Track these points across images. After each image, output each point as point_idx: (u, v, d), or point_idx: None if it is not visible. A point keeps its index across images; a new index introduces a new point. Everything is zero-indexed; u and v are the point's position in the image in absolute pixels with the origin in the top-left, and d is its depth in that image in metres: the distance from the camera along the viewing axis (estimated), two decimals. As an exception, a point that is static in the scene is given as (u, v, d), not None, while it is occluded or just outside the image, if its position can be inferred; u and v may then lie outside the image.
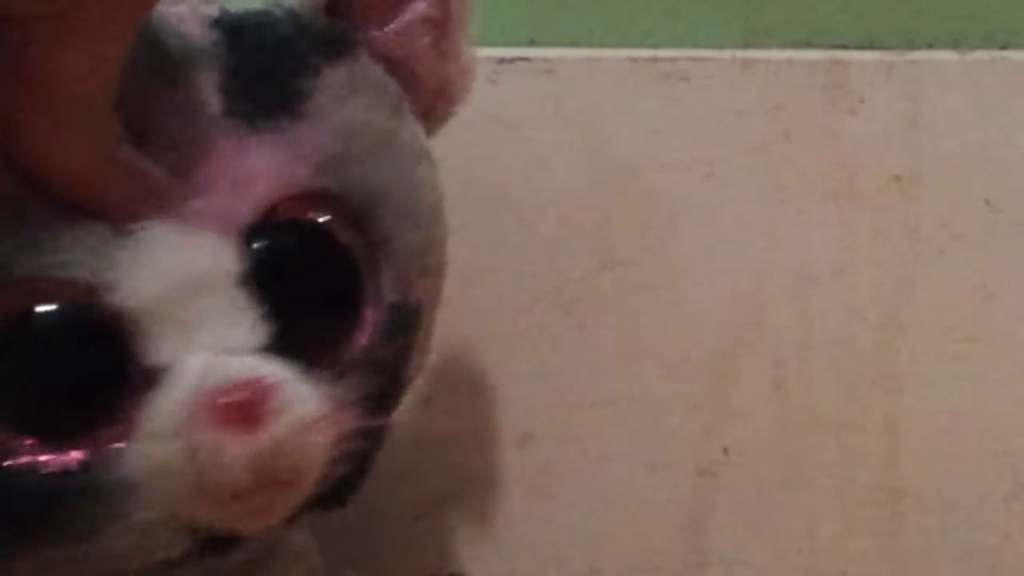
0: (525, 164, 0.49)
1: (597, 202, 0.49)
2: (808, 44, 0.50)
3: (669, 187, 0.49)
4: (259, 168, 0.30)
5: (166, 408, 0.28)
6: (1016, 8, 0.50)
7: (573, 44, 0.50)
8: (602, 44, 0.50)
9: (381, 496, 0.47)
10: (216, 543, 0.31)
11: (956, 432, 0.49)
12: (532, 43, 0.50)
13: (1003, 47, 0.50)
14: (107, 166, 0.28)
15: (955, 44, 0.50)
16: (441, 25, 0.35)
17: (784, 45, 0.50)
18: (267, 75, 0.31)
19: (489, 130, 0.48)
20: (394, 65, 0.35)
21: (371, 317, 0.33)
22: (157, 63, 0.30)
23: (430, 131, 0.36)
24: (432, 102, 0.36)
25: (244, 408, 0.28)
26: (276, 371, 0.29)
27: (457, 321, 0.48)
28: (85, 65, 0.27)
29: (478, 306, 0.49)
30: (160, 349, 0.29)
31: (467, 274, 0.49)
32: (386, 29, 0.35)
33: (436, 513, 0.49)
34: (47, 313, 0.28)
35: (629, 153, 0.49)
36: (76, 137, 0.27)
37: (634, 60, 0.49)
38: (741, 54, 0.49)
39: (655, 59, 0.49)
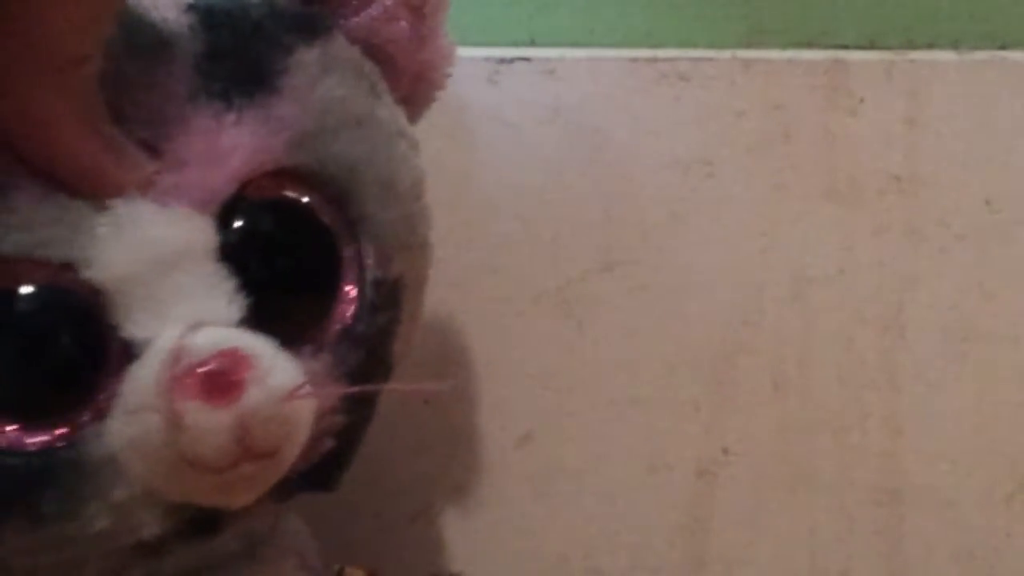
0: (525, 164, 0.49)
1: (597, 202, 0.49)
2: (808, 44, 0.50)
3: (669, 187, 0.49)
4: (234, 144, 0.31)
5: (143, 382, 0.29)
6: (1016, 8, 0.50)
7: (573, 44, 0.50)
8: (602, 44, 0.50)
9: (381, 496, 0.47)
10: (199, 523, 0.31)
11: (956, 432, 0.49)
12: (532, 43, 0.50)
13: (1003, 47, 0.50)
14: (91, 137, 0.28)
15: (955, 44, 0.50)
16: (419, 10, 0.36)
17: (784, 45, 0.50)
18: (241, 54, 0.32)
19: (489, 130, 0.48)
20: (373, 50, 0.35)
21: (351, 293, 0.33)
22: (133, 44, 0.30)
23: (412, 116, 0.37)
24: (411, 87, 0.36)
25: (220, 378, 0.28)
26: (252, 342, 0.29)
27: (457, 321, 0.48)
28: (75, 22, 0.27)
29: (478, 306, 0.49)
30: (137, 324, 0.29)
31: (467, 274, 0.49)
32: (363, 14, 0.35)
33: (436, 513, 0.49)
34: (25, 294, 0.29)
35: (629, 153, 0.49)
36: (64, 101, 0.28)
37: (634, 60, 0.49)
38: (741, 54, 0.49)
39: (655, 59, 0.49)
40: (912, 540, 0.49)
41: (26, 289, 0.29)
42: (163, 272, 0.29)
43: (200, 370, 0.28)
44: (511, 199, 0.49)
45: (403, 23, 0.35)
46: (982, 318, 0.49)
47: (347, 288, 0.33)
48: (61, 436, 0.29)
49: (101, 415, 0.29)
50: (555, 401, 0.49)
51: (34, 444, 0.29)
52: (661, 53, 0.49)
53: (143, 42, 0.30)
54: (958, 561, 0.49)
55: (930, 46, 0.50)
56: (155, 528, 0.30)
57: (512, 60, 0.49)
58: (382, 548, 0.49)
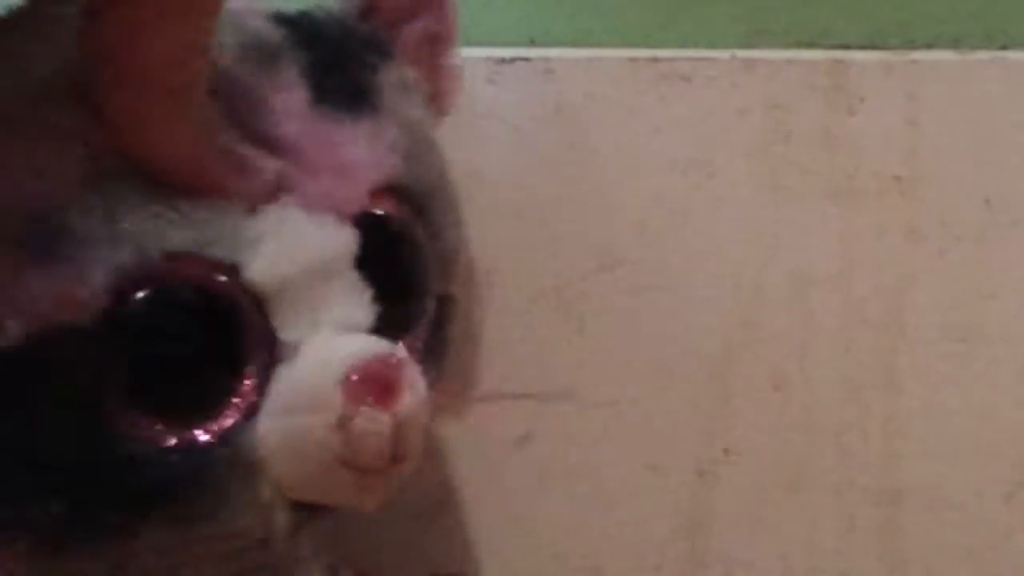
0: (525, 164, 0.49)
1: (597, 202, 0.49)
2: (808, 44, 0.50)
3: (669, 187, 0.49)
4: (359, 156, 0.32)
5: (303, 382, 0.29)
6: (1016, 8, 0.50)
7: (573, 44, 0.50)
8: (602, 44, 0.50)
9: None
10: (297, 526, 0.32)
11: (956, 432, 0.49)
12: (532, 43, 0.50)
13: (1003, 47, 0.50)
14: (205, 150, 0.29)
15: (955, 44, 0.50)
16: (439, 40, 0.37)
17: (784, 45, 0.50)
18: (340, 68, 0.33)
19: (489, 130, 0.48)
20: None
21: (430, 307, 0.35)
22: (242, 54, 0.31)
23: None
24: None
25: (385, 382, 0.29)
26: (399, 349, 0.31)
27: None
28: (174, 51, 0.27)
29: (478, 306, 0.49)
30: (289, 326, 0.30)
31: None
32: (398, 40, 0.36)
33: (436, 513, 0.49)
34: (183, 292, 0.29)
35: (629, 153, 0.49)
36: (170, 121, 0.28)
37: (634, 60, 0.49)
38: (741, 54, 0.49)
39: (655, 59, 0.49)
40: (912, 540, 0.49)
41: (187, 286, 0.29)
42: (316, 277, 0.30)
43: (368, 374, 0.29)
44: (511, 199, 0.49)
45: (425, 50, 0.37)
46: (982, 318, 0.49)
47: (428, 302, 0.35)
48: (209, 435, 0.29)
49: (249, 415, 0.30)
50: (555, 401, 0.49)
51: (182, 442, 0.29)
52: (661, 53, 0.49)
53: (252, 50, 0.31)
54: (958, 561, 0.49)
55: (930, 46, 0.50)
56: (285, 529, 0.31)
57: (512, 60, 0.49)
58: (382, 548, 0.49)
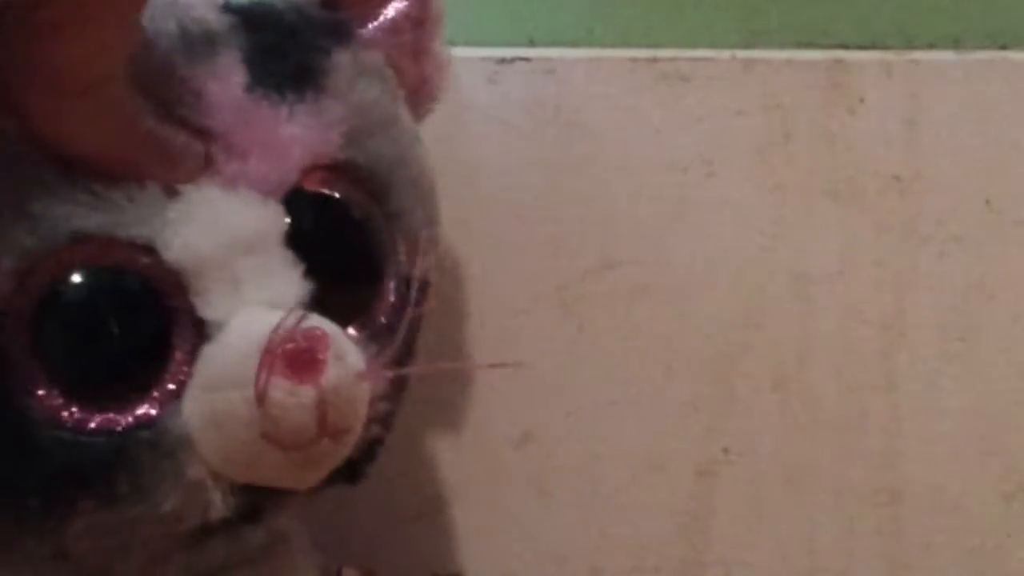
0: (525, 164, 0.49)
1: (597, 202, 0.49)
2: (808, 44, 0.50)
3: (669, 187, 0.49)
4: (294, 136, 0.32)
5: (225, 360, 0.29)
6: (1016, 8, 0.50)
7: (573, 44, 0.50)
8: (602, 44, 0.50)
9: (381, 496, 0.47)
10: (250, 511, 0.32)
11: (956, 432, 0.49)
12: (532, 43, 0.50)
13: (1003, 47, 0.50)
14: (127, 139, 0.29)
15: (955, 44, 0.50)
16: (421, 24, 0.37)
17: (784, 45, 0.50)
18: (285, 53, 0.33)
19: (489, 130, 0.48)
20: None
21: (391, 286, 0.34)
22: (181, 42, 0.31)
23: None
24: (411, 98, 0.37)
25: (306, 356, 0.29)
26: (326, 324, 0.30)
27: (457, 321, 0.48)
28: (88, 53, 0.27)
29: (478, 306, 0.49)
30: (213, 304, 0.30)
31: (467, 274, 0.49)
32: (371, 26, 0.36)
33: (436, 513, 0.49)
34: (103, 273, 0.29)
35: (629, 153, 0.49)
36: (88, 116, 0.28)
37: (634, 60, 0.49)
38: (741, 54, 0.49)
39: (655, 59, 0.49)
40: (912, 540, 0.49)
41: (104, 268, 0.29)
42: (238, 255, 0.30)
43: (287, 348, 0.29)
44: (511, 199, 0.49)
45: (406, 36, 0.37)
46: (982, 318, 0.49)
47: (388, 282, 0.34)
48: (135, 416, 0.29)
49: (175, 395, 0.30)
50: (555, 401, 0.49)
51: (108, 424, 0.29)
52: (661, 53, 0.49)
53: (192, 38, 0.31)
54: (958, 561, 0.49)
55: (930, 46, 0.50)
56: (221, 509, 0.31)
57: (512, 60, 0.49)
58: (382, 548, 0.49)
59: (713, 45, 0.50)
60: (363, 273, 0.34)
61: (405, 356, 0.35)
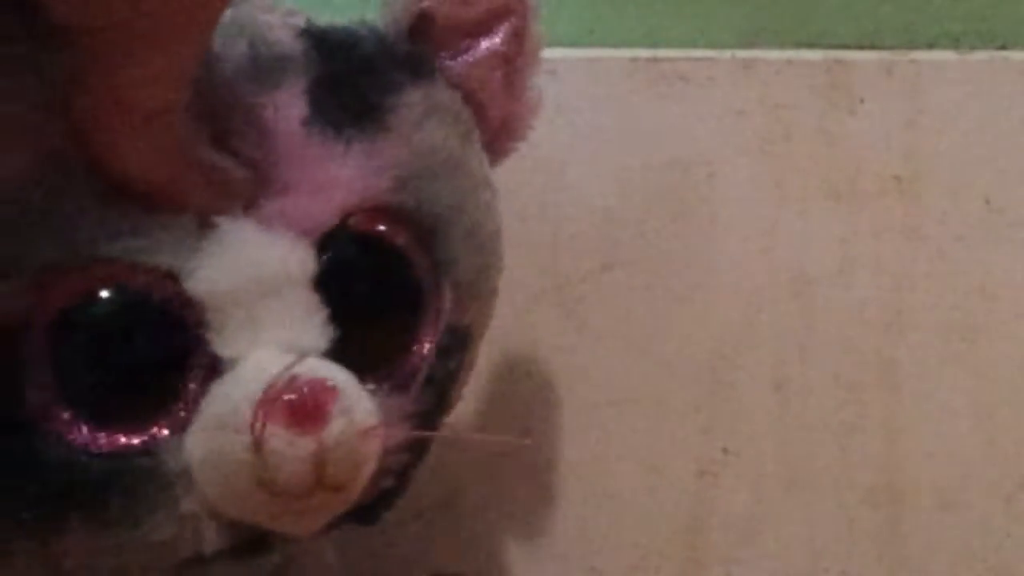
0: (525, 164, 0.49)
1: (597, 202, 0.49)
2: (808, 44, 0.50)
3: (669, 187, 0.49)
4: (341, 176, 0.31)
5: (230, 399, 0.29)
6: (1016, 8, 0.50)
7: (573, 44, 0.50)
8: (602, 44, 0.50)
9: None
10: (252, 543, 0.31)
11: (956, 432, 0.49)
12: (532, 43, 0.50)
13: (1003, 47, 0.50)
14: (179, 167, 0.28)
15: (955, 44, 0.50)
16: (513, 61, 0.36)
17: (784, 45, 0.50)
18: (353, 86, 0.32)
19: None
20: (464, 96, 0.35)
21: (428, 336, 0.33)
22: (248, 66, 0.30)
23: (491, 164, 0.37)
24: (495, 136, 0.37)
25: (308, 407, 0.28)
26: (338, 375, 0.29)
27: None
28: (151, 78, 0.27)
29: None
30: (229, 341, 0.29)
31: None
32: (460, 60, 0.35)
33: (436, 513, 0.49)
34: (121, 294, 0.29)
35: (629, 153, 0.49)
36: (144, 144, 0.28)
37: (634, 60, 0.49)
38: (741, 54, 0.49)
39: (655, 59, 0.49)
40: (912, 540, 0.49)
41: (123, 291, 0.29)
42: (261, 294, 0.29)
43: (288, 397, 0.28)
44: (511, 199, 0.49)
45: (497, 72, 0.36)
46: (982, 318, 0.49)
47: (426, 331, 0.33)
48: (138, 442, 0.29)
49: (181, 427, 0.29)
50: (555, 401, 0.49)
51: (109, 447, 0.29)
52: (661, 53, 0.49)
53: (260, 62, 0.31)
54: (958, 561, 0.49)
55: (930, 46, 0.50)
56: (215, 544, 0.30)
57: (512, 60, 0.49)
58: (382, 548, 0.49)
59: (713, 45, 0.50)
60: (397, 321, 0.33)
61: (437, 408, 0.34)
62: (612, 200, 0.49)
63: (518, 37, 0.36)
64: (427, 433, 0.33)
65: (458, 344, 0.34)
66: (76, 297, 0.28)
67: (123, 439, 0.29)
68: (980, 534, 0.49)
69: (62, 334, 0.28)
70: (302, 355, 0.29)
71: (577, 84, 0.49)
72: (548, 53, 0.46)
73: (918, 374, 0.49)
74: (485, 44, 0.35)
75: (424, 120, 0.33)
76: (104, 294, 0.29)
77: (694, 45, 0.50)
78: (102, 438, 0.29)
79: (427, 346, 0.33)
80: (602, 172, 0.49)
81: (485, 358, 0.50)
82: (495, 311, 0.38)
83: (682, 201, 0.49)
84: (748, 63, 0.49)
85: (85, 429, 0.29)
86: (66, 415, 0.29)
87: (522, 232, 0.49)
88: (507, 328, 0.49)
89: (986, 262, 0.49)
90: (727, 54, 0.49)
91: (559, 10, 0.50)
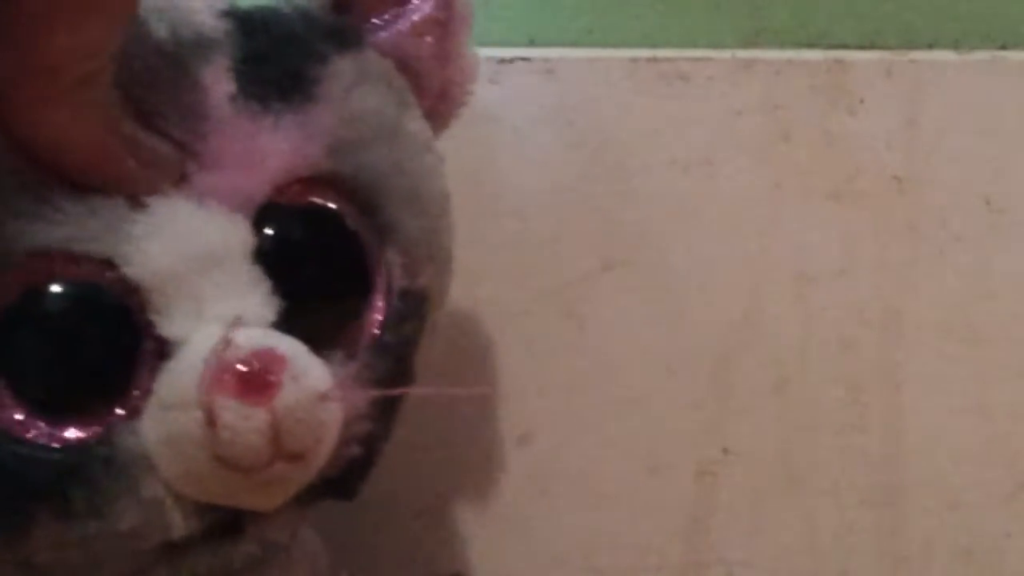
0: (525, 164, 0.49)
1: (597, 202, 0.49)
2: (808, 44, 0.50)
3: (669, 187, 0.49)
4: (272, 147, 0.31)
5: (179, 379, 0.29)
6: (1016, 8, 0.50)
7: (573, 44, 0.50)
8: (602, 44, 0.50)
9: (381, 496, 0.47)
10: (225, 525, 0.31)
11: (956, 432, 0.49)
12: (532, 43, 0.50)
13: (1003, 47, 0.50)
14: (104, 140, 0.28)
15: (955, 44, 0.50)
16: (444, 26, 0.36)
17: (784, 45, 0.50)
18: (278, 61, 0.32)
19: (489, 130, 0.48)
20: (401, 65, 0.35)
21: (380, 302, 0.33)
22: (171, 48, 0.30)
23: (435, 131, 0.37)
24: (434, 103, 0.37)
25: (257, 377, 0.28)
26: (286, 343, 0.29)
27: (457, 321, 0.48)
28: (79, 44, 0.27)
29: (478, 306, 0.49)
30: (174, 321, 0.29)
31: (467, 274, 0.49)
32: (391, 29, 0.35)
33: (436, 512, 0.49)
34: (62, 287, 0.29)
35: (629, 153, 0.49)
36: (75, 118, 0.28)
37: (634, 60, 0.49)
38: (741, 54, 0.49)
39: (655, 59, 0.49)
40: (912, 540, 0.49)
41: (63, 284, 0.29)
42: (201, 271, 0.29)
43: (237, 369, 0.28)
44: (511, 199, 0.49)
45: (429, 39, 0.36)
46: (982, 318, 0.49)
47: (376, 297, 0.33)
48: (94, 432, 0.29)
49: (135, 412, 0.29)
50: (555, 401, 0.49)
51: (66, 439, 0.29)
52: (661, 53, 0.49)
53: (182, 44, 0.31)
54: (958, 561, 0.49)
55: (930, 46, 0.50)
56: (183, 528, 0.30)
57: (512, 60, 0.49)
58: (382, 548, 0.49)
59: (713, 45, 0.50)
60: (344, 288, 0.33)
61: (399, 373, 0.34)
62: (612, 200, 0.49)
63: (448, 2, 0.36)
64: (383, 392, 0.32)
65: (413, 309, 0.34)
66: (15, 295, 0.28)
67: (79, 431, 0.29)
68: (980, 534, 0.49)
69: (5, 334, 0.28)
70: (238, 323, 0.29)
71: (577, 84, 0.49)
72: (548, 53, 0.46)
73: (918, 374, 0.49)
74: (414, 11, 0.35)
75: (354, 88, 0.33)
76: (43, 289, 0.29)
77: (694, 45, 0.50)
78: (57, 432, 0.29)
79: (377, 312, 0.33)
80: (602, 172, 0.49)
81: (485, 358, 0.50)
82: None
83: (682, 201, 0.49)
84: (748, 63, 0.49)
85: (41, 425, 0.29)
86: (19, 414, 0.29)
87: (522, 232, 0.49)
88: (507, 328, 0.49)
89: (986, 262, 0.49)
90: (727, 54, 0.49)
91: (559, 10, 0.50)
